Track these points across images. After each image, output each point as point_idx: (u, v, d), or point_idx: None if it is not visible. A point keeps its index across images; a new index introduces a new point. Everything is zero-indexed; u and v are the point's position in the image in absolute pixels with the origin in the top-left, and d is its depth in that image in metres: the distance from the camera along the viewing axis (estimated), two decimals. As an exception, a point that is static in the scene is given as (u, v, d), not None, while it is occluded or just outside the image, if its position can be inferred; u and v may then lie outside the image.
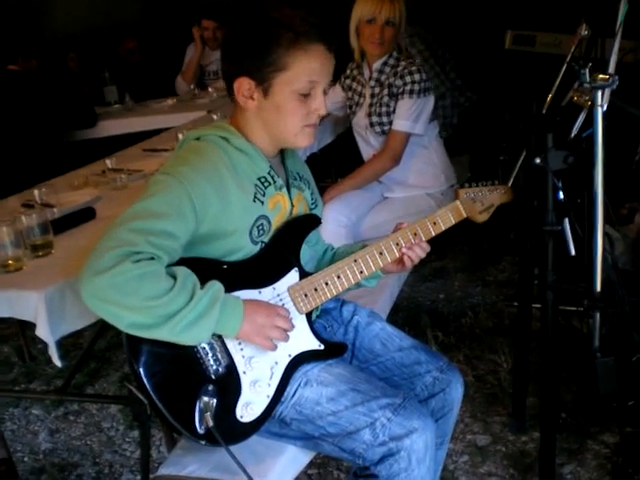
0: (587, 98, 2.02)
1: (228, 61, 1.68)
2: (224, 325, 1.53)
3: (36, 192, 2.69)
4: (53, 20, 6.08)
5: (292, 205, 1.75)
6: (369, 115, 3.12)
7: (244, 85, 1.64)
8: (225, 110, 3.91)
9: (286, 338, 1.63)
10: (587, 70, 1.90)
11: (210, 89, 5.02)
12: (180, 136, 3.28)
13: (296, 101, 1.65)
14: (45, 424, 3.01)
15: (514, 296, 3.47)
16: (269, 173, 1.70)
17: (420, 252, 1.83)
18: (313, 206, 1.86)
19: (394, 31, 3.00)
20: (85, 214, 2.44)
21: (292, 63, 1.61)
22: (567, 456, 2.41)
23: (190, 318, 1.47)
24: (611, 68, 1.97)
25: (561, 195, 2.02)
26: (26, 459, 2.79)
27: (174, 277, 1.49)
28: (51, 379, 3.34)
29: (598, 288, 1.99)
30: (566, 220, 2.02)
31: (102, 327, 2.31)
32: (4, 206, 2.77)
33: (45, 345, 1.91)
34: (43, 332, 1.88)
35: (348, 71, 3.33)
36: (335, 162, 4.56)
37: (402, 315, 3.48)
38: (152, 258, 1.46)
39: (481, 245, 4.03)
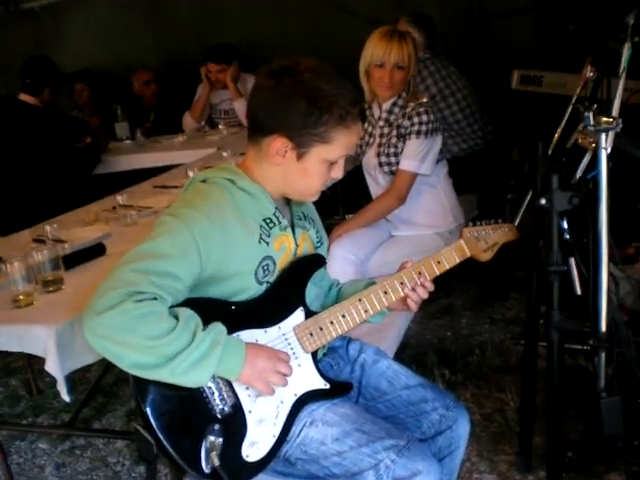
0: (591, 140, 2.04)
1: (269, 114, 1.64)
2: (225, 368, 1.54)
3: (47, 228, 2.72)
4: (63, 57, 6.15)
5: (297, 245, 1.77)
6: (378, 155, 3.14)
7: (279, 143, 1.64)
8: (235, 147, 3.95)
9: (285, 383, 1.63)
10: (591, 113, 1.92)
11: (220, 126, 5.06)
12: (190, 173, 3.31)
13: (324, 168, 1.69)
14: (51, 458, 3.00)
15: (522, 334, 3.47)
16: (274, 214, 1.72)
17: (422, 293, 1.84)
18: (318, 244, 1.88)
19: (403, 74, 3.04)
20: (95, 250, 2.46)
21: (335, 138, 1.64)
22: (574, 495, 2.39)
23: (191, 360, 1.47)
24: (615, 111, 2.00)
25: (566, 235, 2.03)
26: (32, 493, 2.79)
27: (177, 318, 1.50)
28: (58, 413, 3.34)
29: (603, 328, 1.99)
30: (572, 260, 2.03)
31: (109, 362, 2.32)
32: (15, 240, 2.80)
33: (52, 379, 1.93)
34: (52, 367, 1.89)
35: None
36: (343, 199, 4.58)
37: (409, 353, 3.47)
38: (155, 298, 1.48)
39: (489, 282, 4.03)
